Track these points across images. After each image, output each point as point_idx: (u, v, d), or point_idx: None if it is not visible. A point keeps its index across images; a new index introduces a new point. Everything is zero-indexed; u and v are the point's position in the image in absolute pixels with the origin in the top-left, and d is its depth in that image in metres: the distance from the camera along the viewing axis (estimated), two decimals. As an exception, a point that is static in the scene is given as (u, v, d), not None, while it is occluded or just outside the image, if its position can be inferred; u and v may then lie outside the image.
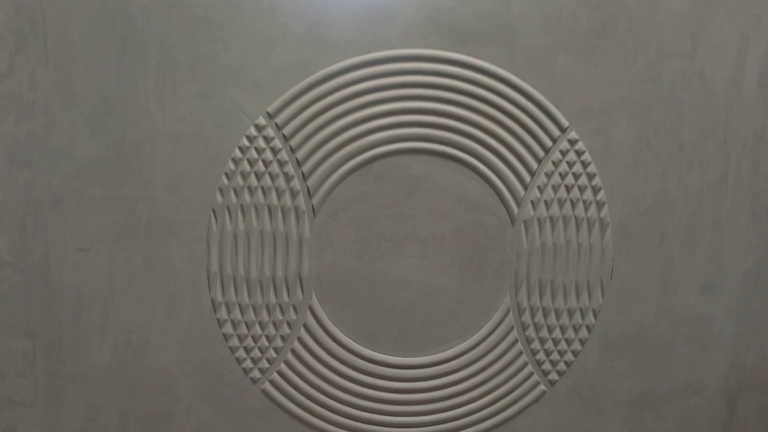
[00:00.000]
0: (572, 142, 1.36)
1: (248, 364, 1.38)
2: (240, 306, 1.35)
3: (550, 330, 1.41)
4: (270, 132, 1.30)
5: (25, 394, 1.32)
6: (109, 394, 1.34)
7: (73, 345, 1.32)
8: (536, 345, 1.41)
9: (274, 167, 1.31)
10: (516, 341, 1.41)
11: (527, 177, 1.36)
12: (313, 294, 1.36)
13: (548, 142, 1.36)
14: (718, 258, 1.39)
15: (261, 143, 1.30)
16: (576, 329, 1.41)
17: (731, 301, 1.41)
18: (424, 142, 1.34)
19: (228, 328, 1.35)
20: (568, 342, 1.41)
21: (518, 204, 1.37)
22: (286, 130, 1.31)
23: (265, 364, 1.38)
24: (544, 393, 1.43)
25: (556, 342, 1.41)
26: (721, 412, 1.46)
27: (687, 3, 1.34)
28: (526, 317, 1.40)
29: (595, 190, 1.38)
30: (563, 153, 1.36)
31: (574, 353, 1.41)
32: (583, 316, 1.40)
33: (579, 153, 1.37)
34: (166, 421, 1.37)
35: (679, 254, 1.38)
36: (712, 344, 1.43)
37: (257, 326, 1.36)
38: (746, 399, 1.46)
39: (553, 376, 1.43)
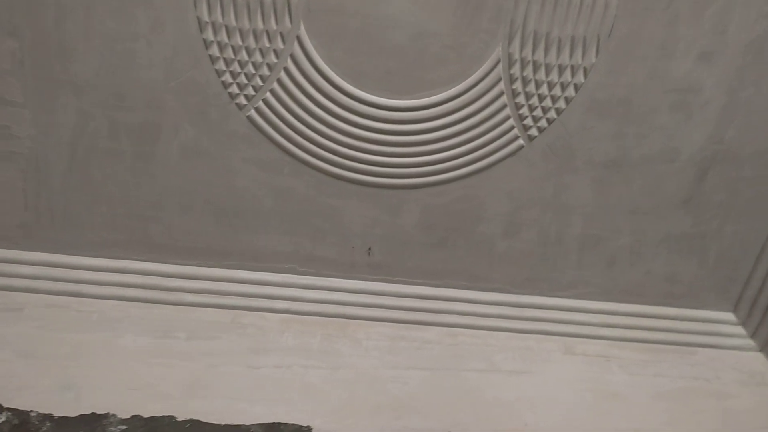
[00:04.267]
0: None
1: (234, 89, 1.39)
2: (227, 28, 1.32)
3: (538, 85, 1.39)
4: None
5: (15, 93, 1.36)
6: (99, 103, 1.38)
7: (59, 49, 1.32)
8: (521, 99, 1.41)
9: None
10: (502, 93, 1.41)
11: None
12: (302, 23, 1.32)
13: None
14: (725, 25, 1.32)
15: None
16: (563, 87, 1.39)
17: (727, 71, 1.36)
18: None
19: (214, 50, 1.34)
20: (554, 99, 1.40)
21: (525, -55, 1.27)
22: None
23: (251, 91, 1.40)
24: (521, 147, 1.46)
25: (541, 98, 1.40)
26: (689, 180, 1.50)
27: None
28: (516, 70, 1.37)
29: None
30: None
31: (558, 111, 1.42)
32: (573, 74, 1.37)
33: None
34: (155, 136, 1.43)
35: (685, 17, 1.31)
36: (696, 114, 1.41)
37: (244, 51, 1.35)
38: (717, 171, 1.48)
39: (533, 132, 1.44)
